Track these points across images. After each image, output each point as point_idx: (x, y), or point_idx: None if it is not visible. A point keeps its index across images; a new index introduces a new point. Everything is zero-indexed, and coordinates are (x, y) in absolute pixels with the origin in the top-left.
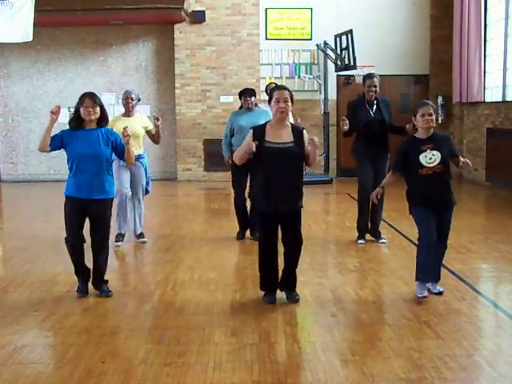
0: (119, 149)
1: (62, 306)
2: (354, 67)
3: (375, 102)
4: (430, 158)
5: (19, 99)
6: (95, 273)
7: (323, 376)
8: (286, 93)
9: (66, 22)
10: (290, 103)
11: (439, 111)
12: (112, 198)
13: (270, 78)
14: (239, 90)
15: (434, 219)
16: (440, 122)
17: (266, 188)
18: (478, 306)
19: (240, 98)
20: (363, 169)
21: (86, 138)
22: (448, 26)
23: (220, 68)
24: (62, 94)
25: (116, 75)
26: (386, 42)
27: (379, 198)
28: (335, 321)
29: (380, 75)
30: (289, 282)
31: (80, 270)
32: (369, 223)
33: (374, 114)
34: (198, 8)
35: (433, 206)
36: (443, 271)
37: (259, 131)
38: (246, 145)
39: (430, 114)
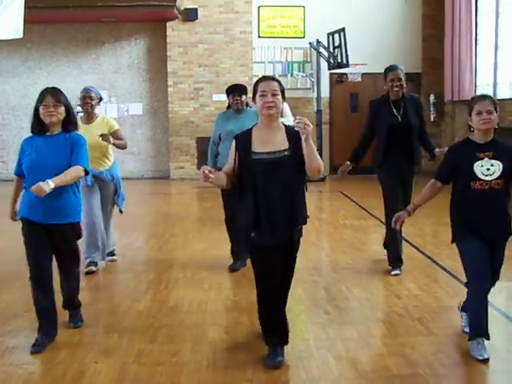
0: (74, 155)
1: None
2: (347, 65)
3: (402, 101)
4: (487, 169)
5: (9, 97)
6: (64, 298)
7: (317, 373)
8: (275, 84)
9: (57, 19)
10: (280, 97)
11: (431, 109)
12: (78, 222)
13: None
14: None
15: (486, 255)
16: (432, 119)
17: (256, 214)
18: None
19: (228, 96)
20: (389, 187)
21: (45, 145)
22: (440, 25)
23: (213, 66)
24: None
25: (108, 73)
26: (378, 40)
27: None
28: (329, 318)
29: (372, 73)
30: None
31: (43, 316)
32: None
33: (400, 116)
34: (191, 6)
35: (485, 234)
36: (436, 268)
37: (244, 139)
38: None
39: (489, 112)
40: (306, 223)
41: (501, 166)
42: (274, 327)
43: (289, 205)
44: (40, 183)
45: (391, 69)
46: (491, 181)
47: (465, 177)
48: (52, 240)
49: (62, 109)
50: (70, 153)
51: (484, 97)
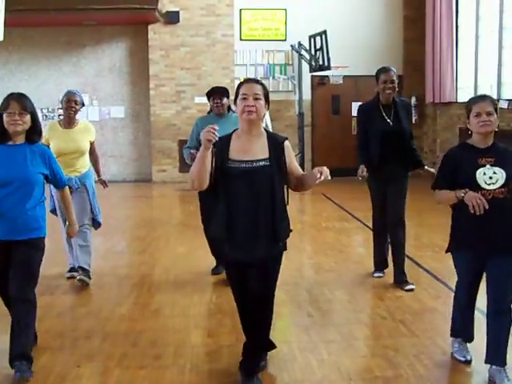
0: (55, 175)
1: None
2: (329, 68)
3: (393, 105)
4: (490, 178)
5: None
6: (12, 341)
7: (300, 376)
8: (258, 87)
9: (38, 22)
10: (262, 101)
11: (413, 111)
12: (43, 237)
13: (244, 78)
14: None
15: (480, 268)
16: (413, 122)
17: (228, 227)
18: (452, 304)
19: (208, 100)
20: (377, 198)
21: (7, 156)
22: (421, 27)
23: (194, 69)
24: (34, 95)
25: (89, 76)
26: (359, 42)
27: None
28: (311, 321)
29: (354, 76)
30: (248, 363)
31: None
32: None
33: (392, 121)
34: (172, 8)
35: (482, 248)
36: (418, 270)
37: (221, 145)
38: (203, 137)
39: (489, 113)
40: (284, 238)
41: (504, 173)
42: (255, 336)
43: (267, 218)
44: (72, 232)
45: (384, 70)
46: (494, 190)
47: (465, 186)
48: (13, 258)
49: (28, 117)
50: (40, 165)
51: (483, 97)
